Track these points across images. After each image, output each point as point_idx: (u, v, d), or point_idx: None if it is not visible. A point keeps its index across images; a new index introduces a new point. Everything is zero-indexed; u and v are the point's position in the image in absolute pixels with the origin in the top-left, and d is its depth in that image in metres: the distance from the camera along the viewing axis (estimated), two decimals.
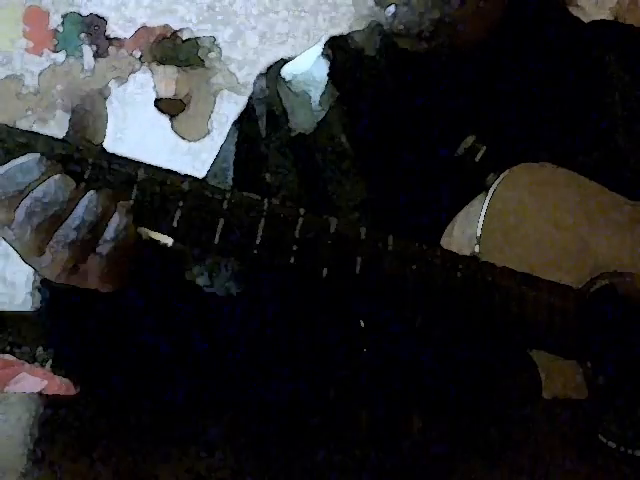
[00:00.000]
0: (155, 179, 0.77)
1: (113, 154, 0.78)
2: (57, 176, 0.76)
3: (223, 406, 0.86)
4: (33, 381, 2.45)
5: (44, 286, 0.84)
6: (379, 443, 0.76)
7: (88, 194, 0.76)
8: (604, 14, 2.93)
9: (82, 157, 0.77)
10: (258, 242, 0.77)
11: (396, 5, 0.92)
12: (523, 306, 0.80)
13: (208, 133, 3.32)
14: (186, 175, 0.78)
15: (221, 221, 0.77)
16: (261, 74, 1.07)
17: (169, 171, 0.78)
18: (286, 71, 1.06)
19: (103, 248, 0.77)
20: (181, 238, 0.78)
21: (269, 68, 1.07)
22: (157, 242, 0.85)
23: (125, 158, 0.78)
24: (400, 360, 0.88)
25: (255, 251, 0.77)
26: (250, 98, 1.07)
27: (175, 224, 0.77)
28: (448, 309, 0.79)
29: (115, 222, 0.76)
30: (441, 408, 0.82)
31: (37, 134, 0.78)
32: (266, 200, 0.78)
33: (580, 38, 1.00)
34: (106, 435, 0.77)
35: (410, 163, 0.95)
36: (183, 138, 3.30)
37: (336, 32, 1.09)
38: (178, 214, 0.77)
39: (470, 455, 0.71)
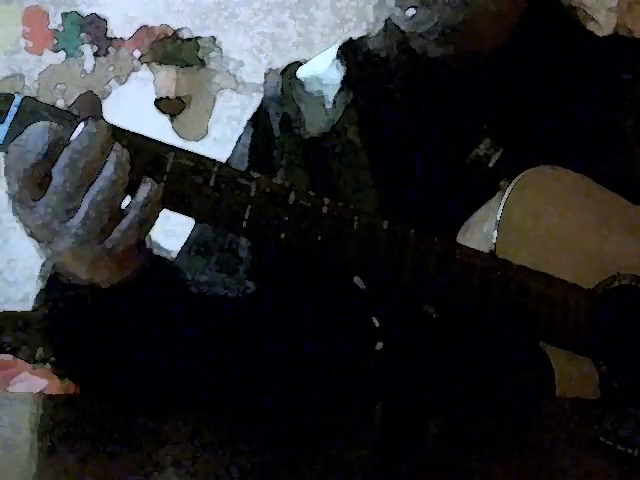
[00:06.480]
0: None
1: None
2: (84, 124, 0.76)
3: (228, 406, 0.86)
4: (33, 381, 2.45)
5: (52, 285, 0.84)
6: (393, 445, 0.76)
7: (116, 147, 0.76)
8: (604, 15, 2.93)
9: None
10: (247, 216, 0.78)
11: (416, 7, 0.92)
12: (538, 301, 0.81)
13: (208, 133, 3.32)
14: (174, 147, 0.80)
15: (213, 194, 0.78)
16: (272, 74, 1.07)
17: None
18: (301, 73, 1.06)
19: (132, 214, 0.75)
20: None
21: (285, 70, 1.07)
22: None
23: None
24: (414, 359, 0.89)
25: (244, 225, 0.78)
26: (264, 97, 1.07)
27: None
28: (465, 303, 0.80)
29: (148, 187, 0.76)
30: (456, 408, 0.82)
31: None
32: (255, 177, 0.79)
33: (595, 52, 1.01)
34: (109, 436, 0.77)
35: (424, 167, 0.95)
36: (183, 138, 3.29)
37: (339, 34, 1.09)
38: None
39: (485, 458, 0.72)
